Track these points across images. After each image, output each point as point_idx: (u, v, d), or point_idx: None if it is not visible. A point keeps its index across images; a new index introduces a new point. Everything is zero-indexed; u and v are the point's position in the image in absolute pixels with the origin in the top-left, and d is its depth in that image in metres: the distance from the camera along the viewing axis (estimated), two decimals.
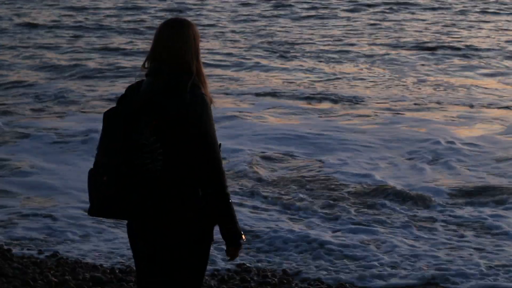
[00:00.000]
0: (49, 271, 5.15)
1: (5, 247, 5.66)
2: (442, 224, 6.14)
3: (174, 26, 2.93)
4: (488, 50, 14.89)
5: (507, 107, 10.75)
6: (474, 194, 6.91)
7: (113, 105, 2.98)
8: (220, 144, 2.90)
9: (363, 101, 11.18)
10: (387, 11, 20.40)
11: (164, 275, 2.91)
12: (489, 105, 10.96)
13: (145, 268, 2.95)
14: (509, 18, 19.34)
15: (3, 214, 6.59)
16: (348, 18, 19.35)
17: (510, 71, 13.36)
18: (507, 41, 15.98)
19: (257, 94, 11.78)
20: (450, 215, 6.35)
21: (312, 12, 20.25)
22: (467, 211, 6.43)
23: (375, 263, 5.32)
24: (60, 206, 6.79)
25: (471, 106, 10.90)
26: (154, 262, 2.91)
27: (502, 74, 13.05)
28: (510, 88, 12.33)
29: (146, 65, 2.92)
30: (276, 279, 4.98)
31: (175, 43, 2.86)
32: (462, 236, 5.88)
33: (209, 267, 4.99)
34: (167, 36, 2.90)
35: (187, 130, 2.82)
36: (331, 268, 5.21)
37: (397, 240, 5.74)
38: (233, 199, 2.97)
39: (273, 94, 11.68)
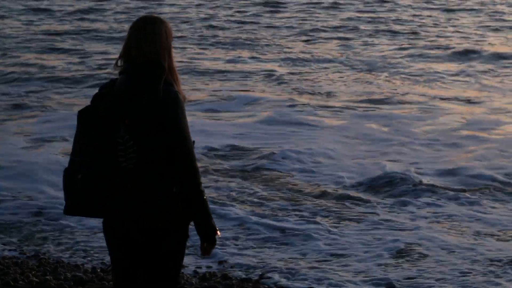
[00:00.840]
0: (30, 271, 5.17)
1: None
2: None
3: (146, 23, 2.93)
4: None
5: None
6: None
7: (87, 103, 2.98)
8: (193, 141, 2.91)
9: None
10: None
11: (140, 271, 2.93)
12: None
13: (122, 265, 2.96)
14: None
15: None
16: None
17: None
18: None
19: None
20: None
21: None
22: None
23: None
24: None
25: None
26: (131, 259, 2.92)
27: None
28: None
29: (119, 63, 2.93)
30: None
31: (147, 41, 2.87)
32: None
33: (190, 265, 5.13)
34: (139, 34, 2.90)
35: (161, 127, 2.83)
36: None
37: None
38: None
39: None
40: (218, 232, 2.94)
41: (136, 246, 2.91)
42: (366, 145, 8.88)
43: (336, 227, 6.03)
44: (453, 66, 13.58)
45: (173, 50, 3.00)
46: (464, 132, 9.32)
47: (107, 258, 5.35)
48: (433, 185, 7.14)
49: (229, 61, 14.18)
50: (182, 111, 2.88)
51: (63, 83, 12.60)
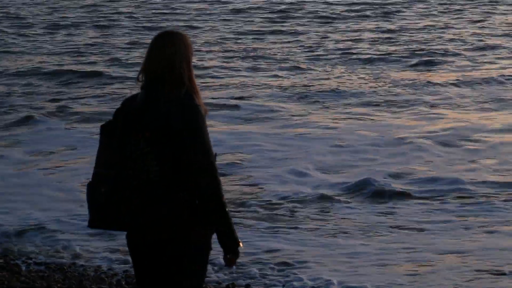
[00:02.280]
0: (56, 284, 5.19)
1: (13, 261, 5.73)
2: None
3: (165, 38, 2.96)
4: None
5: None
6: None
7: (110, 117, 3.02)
8: (216, 154, 2.91)
9: None
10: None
11: (164, 283, 2.93)
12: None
13: (146, 277, 2.97)
14: None
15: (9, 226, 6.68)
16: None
17: None
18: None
19: None
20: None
21: None
22: None
23: None
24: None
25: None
26: (154, 271, 2.93)
27: None
28: None
29: (140, 78, 2.95)
30: None
31: (167, 55, 2.89)
32: None
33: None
34: (159, 49, 2.93)
35: (183, 140, 2.83)
36: None
37: None
38: None
39: None
40: (241, 243, 2.94)
41: (160, 258, 2.92)
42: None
43: None
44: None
45: (192, 63, 3.00)
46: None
47: (130, 269, 5.44)
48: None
49: None
50: (203, 125, 2.87)
51: None
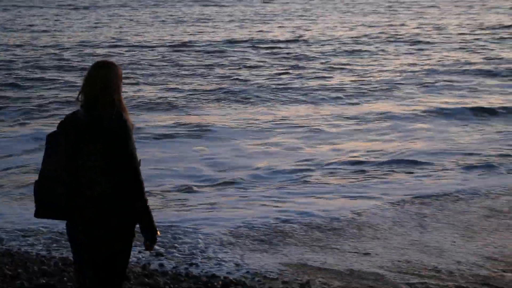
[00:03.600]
0: (4, 266, 5.85)
1: None
2: None
3: (102, 68, 3.42)
4: None
5: None
6: None
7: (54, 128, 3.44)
8: (140, 160, 3.36)
9: None
10: None
11: (100, 264, 3.44)
12: None
13: (86, 259, 3.45)
14: None
15: None
16: None
17: None
18: None
19: None
20: None
21: None
22: None
23: None
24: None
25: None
26: (94, 254, 3.40)
27: None
28: None
29: (79, 98, 3.41)
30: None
31: (102, 82, 3.34)
32: None
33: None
34: (96, 77, 3.36)
35: (116, 149, 3.29)
36: None
37: None
38: None
39: None
40: (159, 232, 3.48)
41: (99, 244, 3.38)
42: None
43: None
44: None
45: (122, 87, 3.44)
46: None
47: (64, 253, 6.24)
48: None
49: None
50: (131, 136, 3.35)
51: None
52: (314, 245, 6.53)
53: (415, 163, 9.34)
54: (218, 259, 6.08)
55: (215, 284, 5.45)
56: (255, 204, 7.71)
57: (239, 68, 17.49)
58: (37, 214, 3.43)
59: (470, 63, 18.10)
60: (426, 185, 8.43)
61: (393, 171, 9.02)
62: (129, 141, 3.34)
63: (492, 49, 20.84)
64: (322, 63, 18.45)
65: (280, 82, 15.72)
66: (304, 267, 5.93)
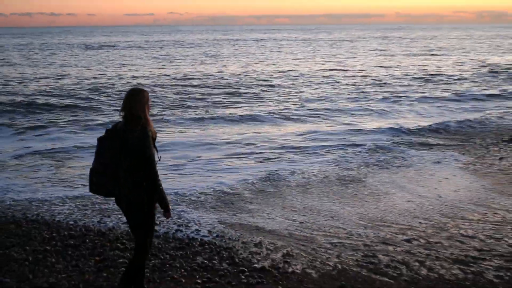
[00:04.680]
0: (43, 231, 7.44)
1: (16, 217, 8.19)
2: None
3: (133, 93, 4.65)
4: None
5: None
6: None
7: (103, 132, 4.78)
8: (160, 157, 4.78)
9: None
10: None
11: (134, 226, 4.96)
12: None
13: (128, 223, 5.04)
14: None
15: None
16: None
17: None
18: None
19: None
20: None
21: None
22: None
23: None
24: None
25: None
26: (127, 217, 4.93)
27: None
28: None
29: (120, 114, 4.67)
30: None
31: (133, 104, 4.59)
32: None
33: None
34: (129, 99, 4.60)
35: (137, 154, 4.54)
36: None
37: None
38: None
39: None
40: (170, 207, 4.96)
41: (130, 214, 4.83)
42: None
43: None
44: None
45: (149, 106, 4.68)
46: None
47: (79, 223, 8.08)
48: None
49: None
50: (149, 144, 4.55)
51: None
52: (265, 216, 8.69)
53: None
54: (197, 227, 8.11)
55: (194, 244, 7.32)
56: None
57: None
58: (90, 190, 4.81)
59: None
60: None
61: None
62: (147, 149, 4.59)
63: None
64: None
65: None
66: (258, 231, 8.03)
